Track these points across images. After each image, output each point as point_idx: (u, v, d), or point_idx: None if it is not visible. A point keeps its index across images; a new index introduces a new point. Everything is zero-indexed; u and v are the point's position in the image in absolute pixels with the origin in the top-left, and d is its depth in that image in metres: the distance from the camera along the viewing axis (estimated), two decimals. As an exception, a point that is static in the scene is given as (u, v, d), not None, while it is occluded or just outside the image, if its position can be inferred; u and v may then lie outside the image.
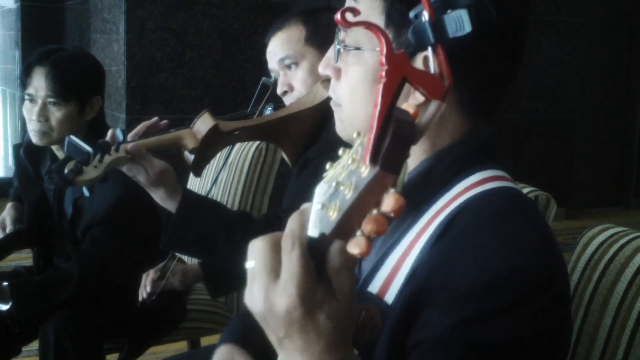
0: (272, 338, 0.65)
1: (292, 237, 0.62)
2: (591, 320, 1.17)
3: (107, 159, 1.37)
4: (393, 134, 0.58)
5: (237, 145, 2.24)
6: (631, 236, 1.20)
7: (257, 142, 2.16)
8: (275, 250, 0.63)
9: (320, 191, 0.62)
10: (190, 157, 1.48)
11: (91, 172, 1.36)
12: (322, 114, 1.57)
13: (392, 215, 0.57)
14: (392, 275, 0.83)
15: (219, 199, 2.22)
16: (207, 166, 2.21)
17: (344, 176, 0.60)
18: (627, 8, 6.12)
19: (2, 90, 6.36)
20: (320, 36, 1.63)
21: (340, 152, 0.63)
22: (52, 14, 5.41)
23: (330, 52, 0.93)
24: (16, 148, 2.23)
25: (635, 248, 1.16)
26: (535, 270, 0.75)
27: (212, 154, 1.56)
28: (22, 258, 2.32)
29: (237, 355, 1.14)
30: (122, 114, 4.24)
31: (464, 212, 0.80)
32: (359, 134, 0.61)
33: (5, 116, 6.30)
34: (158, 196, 1.44)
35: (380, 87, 0.60)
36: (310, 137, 1.61)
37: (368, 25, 0.64)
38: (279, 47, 1.65)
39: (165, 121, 1.53)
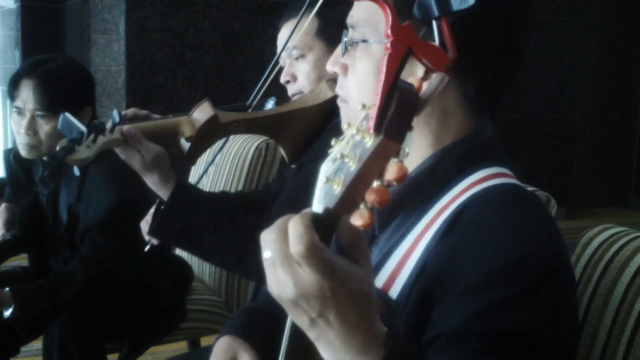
0: (304, 321, 0.63)
1: (295, 219, 0.61)
2: (591, 320, 1.17)
3: (101, 139, 1.33)
4: (397, 102, 0.59)
5: (238, 144, 2.24)
6: (631, 236, 1.20)
7: (257, 142, 2.16)
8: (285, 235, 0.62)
9: (325, 167, 0.62)
10: (186, 145, 1.45)
11: (84, 152, 1.32)
12: (324, 113, 1.55)
13: (395, 184, 0.58)
14: (397, 271, 0.84)
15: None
16: (203, 155, 2.21)
17: (348, 149, 0.61)
18: (627, 8, 6.12)
19: (2, 90, 6.35)
20: (331, 31, 1.60)
21: (345, 126, 0.64)
22: (52, 14, 5.41)
23: (339, 50, 0.94)
24: (6, 154, 2.19)
25: (635, 248, 1.16)
26: (543, 257, 0.76)
27: (208, 144, 1.53)
28: (21, 259, 2.32)
29: (238, 346, 1.15)
30: (122, 114, 4.23)
31: (469, 207, 0.81)
32: (364, 106, 0.62)
33: (5, 116, 6.30)
34: (152, 181, 1.41)
35: (386, 57, 0.61)
36: (310, 136, 1.59)
37: None
38: (288, 36, 1.60)
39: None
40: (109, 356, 1.98)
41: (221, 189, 2.23)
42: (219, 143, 2.04)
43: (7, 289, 1.84)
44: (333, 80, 1.57)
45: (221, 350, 1.16)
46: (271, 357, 0.76)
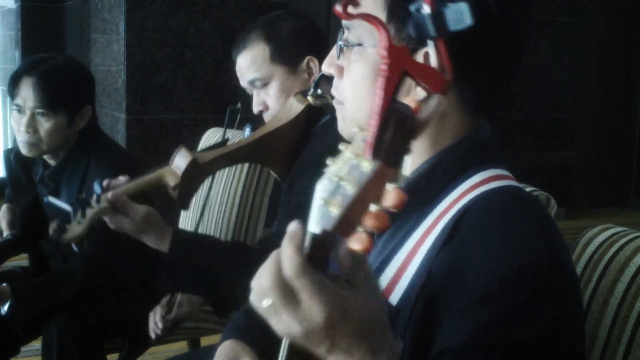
0: (320, 350, 0.65)
1: (293, 264, 0.62)
2: (591, 320, 1.17)
3: (90, 212, 1.37)
4: (394, 128, 0.58)
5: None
6: (631, 236, 1.19)
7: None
8: (280, 279, 0.63)
9: (322, 187, 0.61)
10: (175, 194, 1.46)
11: (76, 229, 1.38)
12: (302, 126, 1.57)
13: (393, 210, 0.58)
14: (397, 276, 0.83)
15: (218, 200, 2.21)
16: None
17: (345, 171, 0.60)
18: (627, 8, 6.12)
19: (2, 91, 6.35)
20: (286, 51, 1.61)
21: (342, 147, 0.63)
22: (52, 14, 5.41)
23: (334, 51, 0.93)
24: (7, 154, 2.20)
25: (635, 248, 1.16)
26: (545, 265, 0.76)
27: (195, 187, 1.53)
28: (21, 259, 2.32)
29: (240, 351, 1.14)
30: (122, 114, 4.23)
31: (469, 213, 0.80)
32: (360, 129, 0.61)
33: (5, 116, 6.30)
34: (150, 241, 1.42)
35: (381, 80, 0.59)
36: (294, 151, 1.59)
37: (368, 17, 0.64)
38: (246, 69, 1.65)
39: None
40: (108, 356, 1.98)
41: (221, 189, 2.23)
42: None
43: (4, 284, 1.84)
44: (301, 92, 1.58)
45: (222, 354, 1.16)
46: (273, 356, 0.76)
